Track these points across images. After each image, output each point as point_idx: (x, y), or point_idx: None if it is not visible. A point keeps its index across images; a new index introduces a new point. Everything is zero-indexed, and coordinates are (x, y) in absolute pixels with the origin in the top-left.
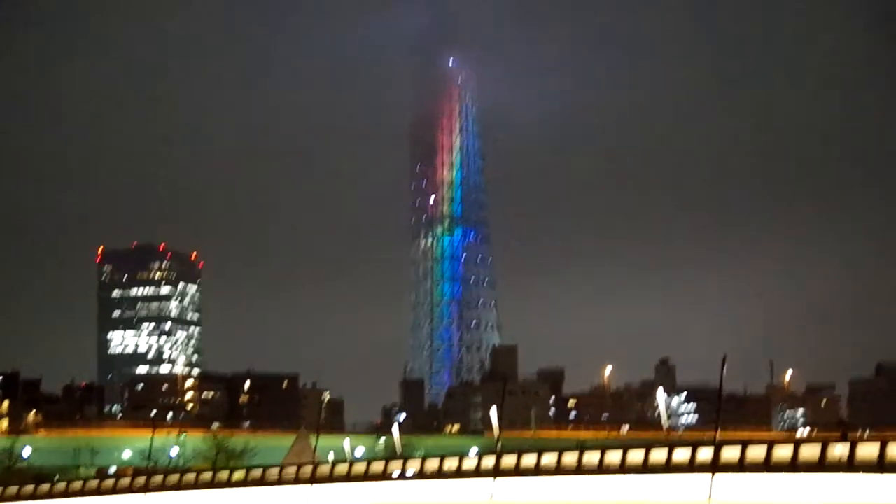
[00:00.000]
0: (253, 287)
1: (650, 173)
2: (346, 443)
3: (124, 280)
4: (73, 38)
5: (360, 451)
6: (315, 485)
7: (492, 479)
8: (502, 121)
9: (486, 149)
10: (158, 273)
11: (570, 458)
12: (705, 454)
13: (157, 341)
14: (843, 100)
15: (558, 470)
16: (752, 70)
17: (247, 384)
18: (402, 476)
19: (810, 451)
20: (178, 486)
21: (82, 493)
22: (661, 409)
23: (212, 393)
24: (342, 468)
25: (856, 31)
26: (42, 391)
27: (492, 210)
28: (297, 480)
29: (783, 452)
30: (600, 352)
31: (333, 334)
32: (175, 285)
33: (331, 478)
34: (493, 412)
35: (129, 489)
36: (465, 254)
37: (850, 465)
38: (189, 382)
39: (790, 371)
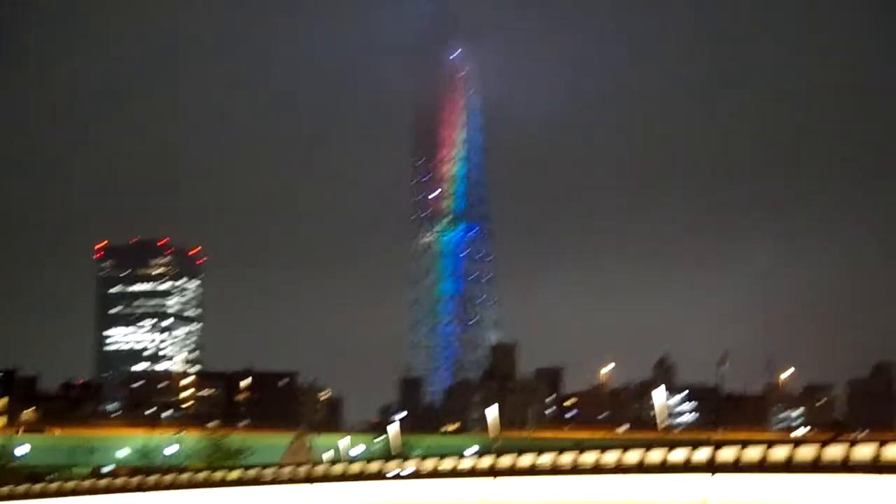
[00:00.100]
0: (253, 284)
1: (650, 172)
2: (345, 442)
3: (124, 276)
4: (73, 36)
5: (357, 450)
6: (312, 484)
7: (490, 478)
8: (505, 115)
9: (488, 143)
10: (159, 269)
11: (567, 457)
12: (703, 454)
13: (157, 338)
14: (843, 99)
15: (556, 470)
16: (753, 69)
17: (245, 382)
18: (399, 475)
19: (807, 452)
20: (174, 486)
21: (75, 492)
22: (659, 408)
23: (210, 391)
24: (339, 467)
25: (856, 31)
26: (39, 389)
27: (492, 206)
28: (293, 480)
29: (780, 452)
30: (599, 351)
31: (333, 332)
32: (175, 281)
33: (328, 477)
34: (492, 411)
35: (124, 489)
36: (465, 250)
37: (846, 465)
38: (187, 380)
39: (788, 371)
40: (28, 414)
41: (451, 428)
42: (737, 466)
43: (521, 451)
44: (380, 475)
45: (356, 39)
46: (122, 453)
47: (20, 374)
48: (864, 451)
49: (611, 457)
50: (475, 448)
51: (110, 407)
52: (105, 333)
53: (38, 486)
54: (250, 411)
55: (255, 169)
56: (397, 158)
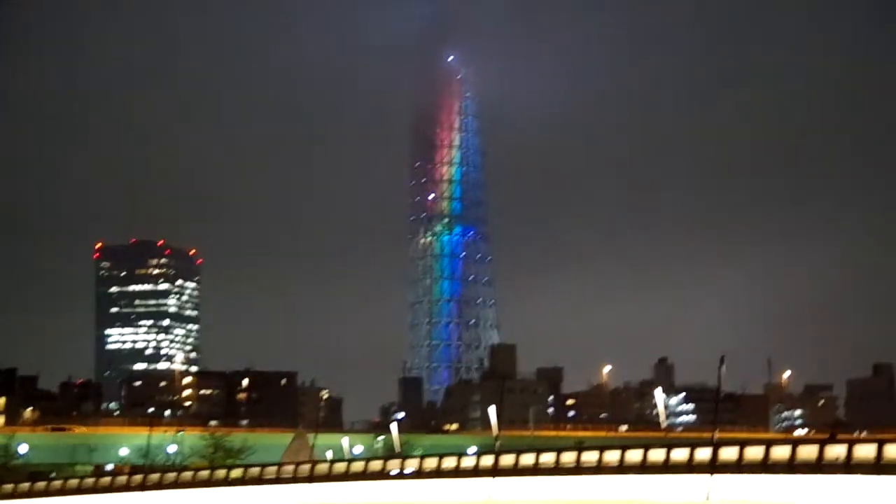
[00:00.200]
0: (252, 284)
1: (650, 172)
2: (345, 441)
3: (122, 276)
4: (72, 36)
5: (358, 450)
6: (313, 483)
7: (490, 478)
8: (502, 117)
9: (486, 145)
10: (157, 269)
11: (568, 457)
12: (703, 454)
13: (156, 338)
14: (843, 99)
15: (556, 469)
16: (752, 68)
17: (245, 381)
18: (400, 475)
19: (808, 452)
20: (176, 485)
21: (79, 490)
22: (660, 408)
23: (210, 390)
24: (340, 467)
25: (856, 29)
26: (39, 388)
27: (491, 208)
28: (294, 479)
29: (781, 452)
30: (599, 351)
31: (332, 332)
32: (173, 282)
33: (329, 476)
34: (492, 411)
35: (126, 487)
36: (464, 252)
37: (848, 465)
38: (187, 380)
39: (788, 371)
40: (28, 413)
41: (451, 427)
42: (737, 466)
43: (523, 451)
44: (382, 474)
45: (354, 40)
46: (123, 452)
47: (20, 374)
48: (864, 451)
49: (613, 456)
50: (474, 448)
51: (110, 406)
52: (105, 333)
53: (41, 485)
54: (250, 411)
55: (254, 169)
56: (396, 160)
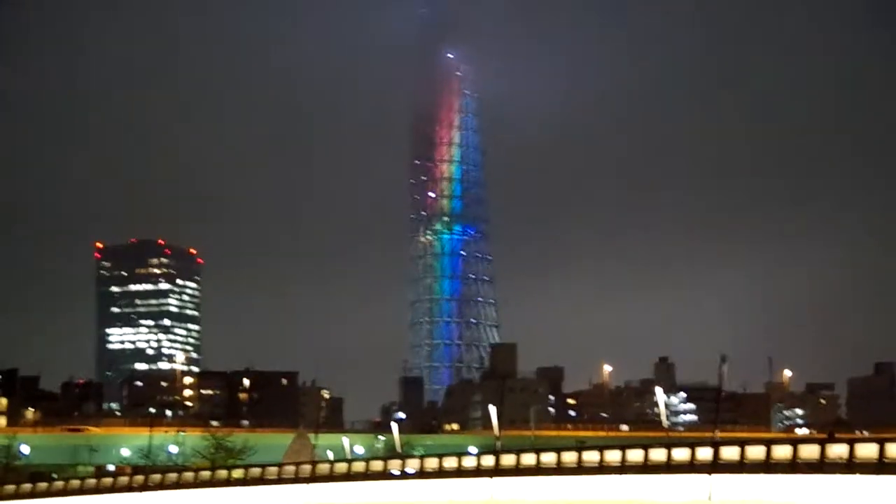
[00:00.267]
0: (252, 284)
1: (650, 171)
2: (346, 441)
3: (123, 276)
4: (72, 36)
5: (359, 450)
6: (314, 483)
7: (491, 478)
8: (502, 116)
9: (486, 144)
10: (158, 269)
11: (569, 456)
12: (705, 454)
13: (156, 338)
14: (843, 98)
15: (558, 469)
16: (752, 68)
17: (246, 381)
18: (401, 475)
19: (809, 451)
20: (177, 485)
21: (81, 491)
22: (661, 407)
23: (211, 390)
24: (341, 467)
25: (856, 29)
26: (41, 388)
27: (491, 206)
28: (296, 479)
29: (782, 452)
30: (600, 350)
31: (333, 331)
32: (174, 281)
33: (330, 476)
34: (493, 410)
35: (128, 488)
36: (464, 250)
37: (849, 465)
38: (188, 380)
39: (789, 370)
40: (30, 414)
41: (451, 427)
42: (739, 466)
43: (524, 451)
44: (383, 474)
45: (354, 40)
46: (125, 452)
47: (21, 374)
48: (865, 451)
49: (614, 456)
50: (475, 448)
51: (111, 406)
52: (105, 333)
53: (43, 485)
54: (251, 411)
55: (254, 169)
56: (395, 158)
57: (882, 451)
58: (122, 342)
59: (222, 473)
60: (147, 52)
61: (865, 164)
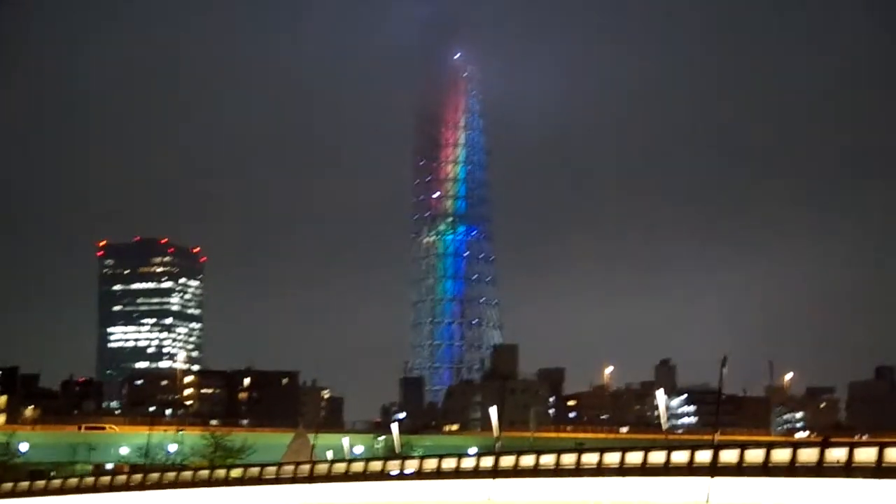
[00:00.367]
0: (254, 283)
1: (651, 173)
2: (345, 441)
3: (126, 274)
4: (78, 37)
5: (358, 450)
6: (313, 483)
7: (490, 479)
8: (507, 116)
9: (490, 144)
10: (160, 268)
11: (568, 458)
12: (704, 456)
13: (158, 336)
14: (844, 100)
15: (557, 471)
16: (753, 69)
17: (246, 381)
18: (400, 475)
19: (808, 455)
20: (175, 484)
21: (78, 489)
22: (661, 410)
23: (211, 389)
24: (340, 467)
25: (856, 30)
26: (41, 386)
27: (495, 207)
28: (295, 479)
29: (781, 455)
30: (601, 352)
31: (334, 332)
32: (176, 280)
33: (329, 476)
34: (493, 411)
35: (126, 486)
36: (467, 251)
37: (848, 468)
38: (188, 378)
39: (790, 374)
40: (29, 411)
41: (451, 428)
42: (738, 469)
43: (523, 452)
44: (382, 475)
45: (358, 39)
46: (123, 451)
47: (21, 372)
48: (864, 455)
49: (613, 458)
50: (474, 449)
51: (111, 405)
52: (107, 331)
53: (41, 483)
54: (251, 410)
55: (257, 168)
56: (399, 159)
57: (881, 455)
58: (124, 340)
59: (220, 473)
60: (148, 51)
61: (865, 165)
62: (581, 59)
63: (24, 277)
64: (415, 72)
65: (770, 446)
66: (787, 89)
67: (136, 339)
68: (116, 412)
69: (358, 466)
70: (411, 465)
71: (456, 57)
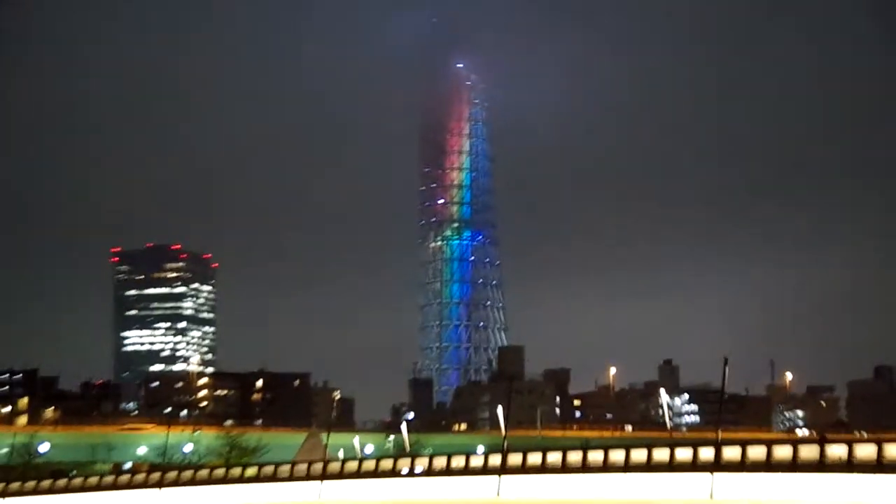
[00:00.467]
0: (266, 287)
1: (652, 175)
2: (356, 440)
3: (140, 280)
4: (85, 39)
5: (369, 449)
6: (325, 481)
7: (498, 476)
8: (511, 123)
9: (495, 150)
10: (173, 273)
11: (574, 456)
12: (707, 453)
13: (172, 340)
14: (843, 99)
15: (563, 468)
16: (753, 70)
17: (259, 382)
18: (410, 473)
19: (809, 452)
20: (192, 482)
21: (99, 487)
22: (665, 409)
23: (225, 391)
24: (352, 465)
25: (857, 32)
26: (60, 388)
27: (499, 212)
28: (308, 477)
29: (783, 452)
30: (605, 353)
31: (345, 334)
32: (189, 285)
33: (341, 475)
34: (500, 411)
35: (145, 484)
36: (473, 255)
37: (849, 464)
38: (203, 380)
39: (790, 373)
40: (49, 412)
41: (460, 427)
42: (740, 466)
43: (530, 450)
44: (393, 473)
45: (363, 47)
46: (141, 451)
47: (41, 374)
48: (864, 451)
49: (618, 456)
50: (483, 447)
51: (128, 406)
52: (123, 335)
53: (62, 482)
54: (264, 411)
55: (267, 173)
56: (406, 163)
57: (880, 451)
58: (139, 344)
59: (236, 471)
60: (155, 55)
61: (865, 166)
62: (582, 67)
63: (42, 284)
64: (419, 80)
65: (771, 443)
66: (788, 90)
67: (150, 343)
68: (133, 413)
69: (369, 465)
70: (421, 464)
71: (461, 64)
